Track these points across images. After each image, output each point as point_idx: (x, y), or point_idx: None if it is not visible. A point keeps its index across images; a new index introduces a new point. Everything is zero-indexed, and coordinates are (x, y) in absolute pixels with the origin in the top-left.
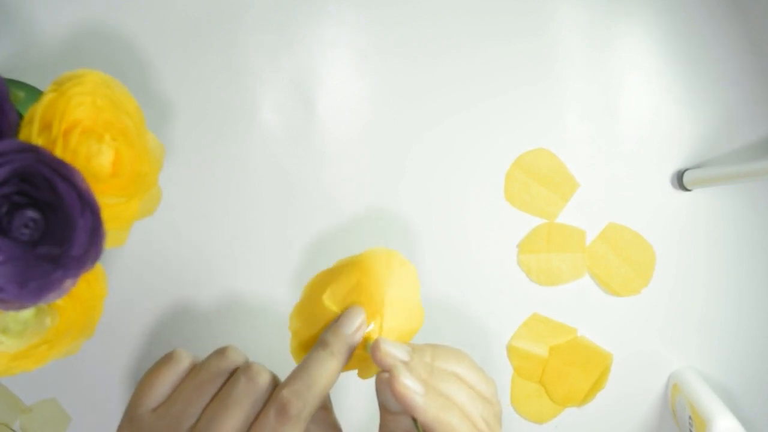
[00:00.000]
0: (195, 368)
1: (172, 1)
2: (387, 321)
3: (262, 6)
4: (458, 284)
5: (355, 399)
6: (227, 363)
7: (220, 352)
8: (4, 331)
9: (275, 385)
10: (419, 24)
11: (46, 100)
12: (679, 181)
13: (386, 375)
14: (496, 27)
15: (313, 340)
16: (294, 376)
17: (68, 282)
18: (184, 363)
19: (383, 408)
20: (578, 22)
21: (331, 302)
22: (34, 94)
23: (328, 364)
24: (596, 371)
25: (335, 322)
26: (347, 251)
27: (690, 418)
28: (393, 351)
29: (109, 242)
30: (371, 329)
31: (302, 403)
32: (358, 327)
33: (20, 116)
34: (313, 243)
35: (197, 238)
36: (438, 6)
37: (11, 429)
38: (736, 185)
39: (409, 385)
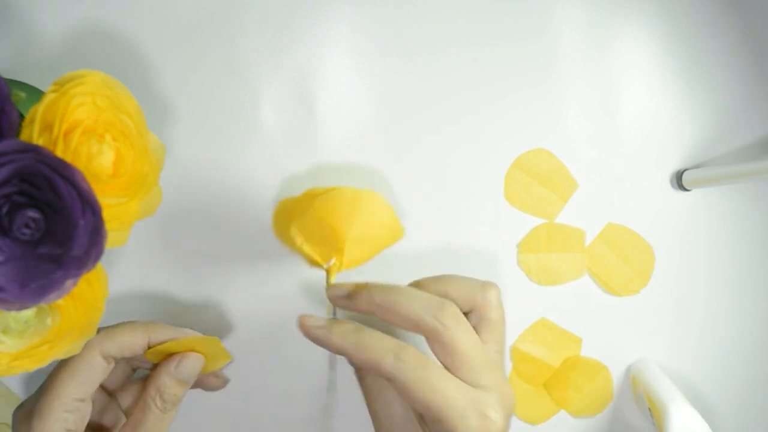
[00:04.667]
0: None
1: (173, 1)
2: (347, 255)
3: (262, 6)
4: None
5: None
6: None
7: None
8: (5, 331)
9: None
10: (420, 25)
11: (47, 100)
12: (679, 181)
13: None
14: (497, 28)
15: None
16: None
17: (69, 282)
18: None
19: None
20: (578, 23)
21: (297, 235)
22: (36, 94)
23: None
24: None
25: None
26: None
27: (649, 410)
28: (310, 321)
29: (110, 242)
30: (332, 263)
31: None
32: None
33: (21, 116)
34: None
35: (198, 239)
36: (439, 8)
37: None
38: (736, 185)
39: (309, 322)
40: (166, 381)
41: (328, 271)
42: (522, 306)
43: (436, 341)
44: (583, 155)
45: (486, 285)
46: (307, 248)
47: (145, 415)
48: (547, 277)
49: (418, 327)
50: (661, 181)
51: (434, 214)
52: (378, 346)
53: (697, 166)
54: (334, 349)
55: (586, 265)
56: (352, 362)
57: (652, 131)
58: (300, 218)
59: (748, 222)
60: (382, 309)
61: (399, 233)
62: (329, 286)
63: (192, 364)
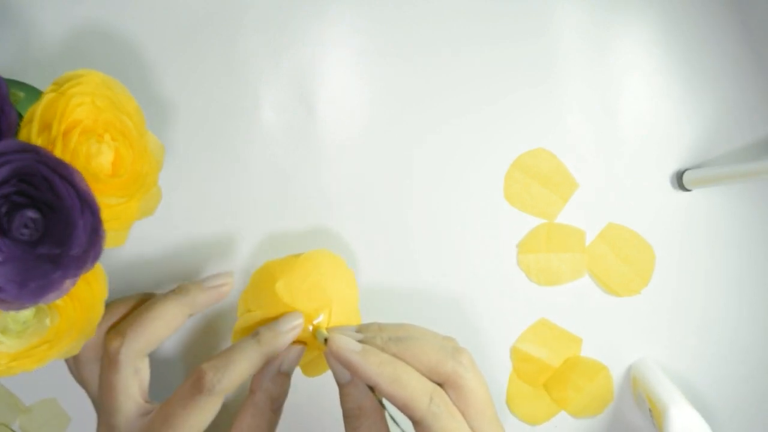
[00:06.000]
0: None
1: (173, 1)
2: (334, 314)
3: (262, 6)
4: (457, 284)
5: None
6: None
7: None
8: (4, 331)
9: None
10: (420, 26)
11: (45, 100)
12: (679, 181)
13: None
14: (497, 29)
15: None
16: (217, 354)
17: (68, 282)
18: None
19: (338, 384)
20: (578, 23)
21: (284, 292)
22: (34, 94)
23: (251, 350)
24: (597, 385)
25: (273, 321)
26: (346, 253)
27: (649, 410)
28: (345, 343)
29: (109, 242)
30: (321, 320)
31: (217, 378)
32: (293, 327)
33: (20, 116)
34: (313, 243)
35: (197, 239)
36: (439, 8)
37: (11, 429)
38: (736, 185)
39: (344, 344)
40: (273, 383)
41: (317, 327)
42: (522, 306)
43: (452, 387)
44: (583, 155)
45: (455, 350)
46: (296, 305)
47: (259, 419)
48: (547, 277)
49: (434, 371)
50: (661, 181)
51: (434, 214)
52: (416, 384)
53: (697, 166)
54: (365, 378)
55: (586, 265)
56: (371, 399)
57: (652, 131)
58: (285, 276)
59: (748, 222)
60: (396, 354)
61: (357, 319)
62: (329, 334)
63: (294, 356)
